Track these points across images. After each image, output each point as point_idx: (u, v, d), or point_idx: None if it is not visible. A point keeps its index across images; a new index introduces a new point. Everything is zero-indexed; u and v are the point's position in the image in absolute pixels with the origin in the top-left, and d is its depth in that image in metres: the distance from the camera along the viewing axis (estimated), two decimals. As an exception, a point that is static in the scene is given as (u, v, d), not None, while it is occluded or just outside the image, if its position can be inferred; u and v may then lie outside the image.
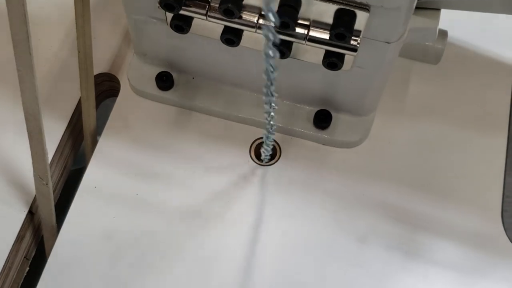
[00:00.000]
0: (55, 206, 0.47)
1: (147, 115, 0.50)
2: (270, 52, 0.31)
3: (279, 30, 0.38)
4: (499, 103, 0.51)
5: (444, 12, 0.42)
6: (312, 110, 0.48)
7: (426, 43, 0.51)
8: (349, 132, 0.48)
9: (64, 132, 0.49)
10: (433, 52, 0.51)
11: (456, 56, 0.53)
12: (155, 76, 0.49)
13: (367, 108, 0.48)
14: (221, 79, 0.49)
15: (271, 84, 0.34)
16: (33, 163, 0.41)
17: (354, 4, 0.36)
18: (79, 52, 0.43)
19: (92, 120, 0.48)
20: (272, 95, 0.35)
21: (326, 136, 0.48)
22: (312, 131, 0.48)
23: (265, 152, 0.45)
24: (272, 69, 0.33)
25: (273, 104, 0.37)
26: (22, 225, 0.46)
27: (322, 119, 0.48)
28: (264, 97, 0.36)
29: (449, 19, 0.48)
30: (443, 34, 0.51)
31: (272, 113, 0.38)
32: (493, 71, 0.53)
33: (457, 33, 0.53)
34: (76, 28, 0.43)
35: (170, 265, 0.44)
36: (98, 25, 0.53)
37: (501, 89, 0.52)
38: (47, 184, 0.42)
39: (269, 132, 0.41)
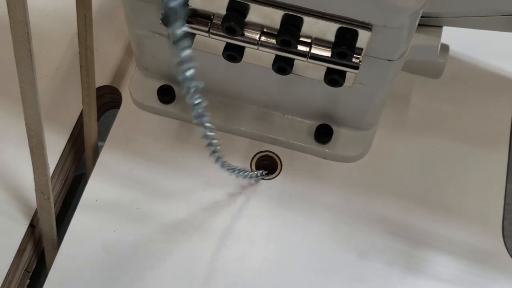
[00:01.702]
0: (56, 218, 0.48)
1: (148, 128, 0.50)
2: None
3: (281, 48, 0.38)
4: (500, 118, 0.51)
5: (446, 27, 0.42)
6: (313, 124, 0.48)
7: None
8: (350, 146, 0.48)
9: (66, 145, 0.49)
10: (434, 66, 0.51)
11: (457, 71, 0.53)
12: (156, 89, 0.49)
13: (368, 123, 0.48)
14: (223, 93, 0.49)
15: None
16: (34, 177, 0.41)
17: (356, 23, 0.36)
18: (81, 66, 0.44)
19: (93, 133, 0.48)
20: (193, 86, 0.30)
21: (327, 150, 0.48)
22: (313, 145, 0.48)
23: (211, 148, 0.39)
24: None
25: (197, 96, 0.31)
26: (23, 238, 0.46)
27: (323, 134, 0.48)
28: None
29: (451, 34, 0.48)
30: (445, 48, 0.51)
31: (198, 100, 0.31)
32: (495, 85, 0.53)
33: (458, 47, 0.53)
34: (79, 41, 0.43)
35: (170, 279, 0.44)
36: (100, 37, 0.53)
37: (502, 103, 0.52)
38: (48, 198, 0.42)
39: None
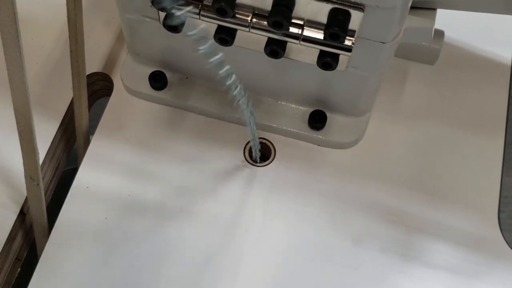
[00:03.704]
0: (48, 206, 0.47)
1: (140, 115, 0.49)
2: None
3: (272, 30, 0.38)
4: (496, 104, 0.51)
5: (440, 12, 0.41)
6: (307, 110, 0.48)
7: (423, 43, 0.50)
8: (344, 132, 0.47)
9: (56, 132, 0.49)
10: (429, 52, 0.51)
11: (453, 57, 0.52)
12: (148, 75, 0.48)
13: (362, 109, 0.47)
14: (215, 79, 0.48)
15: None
16: (23, 163, 0.40)
17: (349, 4, 0.35)
18: (71, 51, 0.43)
19: (84, 120, 0.48)
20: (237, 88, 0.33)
21: (321, 136, 0.48)
22: (307, 131, 0.48)
23: (255, 149, 0.44)
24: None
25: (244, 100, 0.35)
26: (13, 225, 0.45)
27: (317, 120, 0.47)
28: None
29: (446, 19, 0.48)
30: (440, 34, 0.50)
31: (247, 106, 0.36)
32: (490, 71, 0.52)
33: (454, 33, 0.53)
34: (68, 25, 0.42)
35: (162, 266, 0.44)
36: (91, 24, 0.53)
37: (498, 89, 0.52)
38: (38, 184, 0.41)
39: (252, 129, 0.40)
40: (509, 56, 0.53)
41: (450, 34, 0.52)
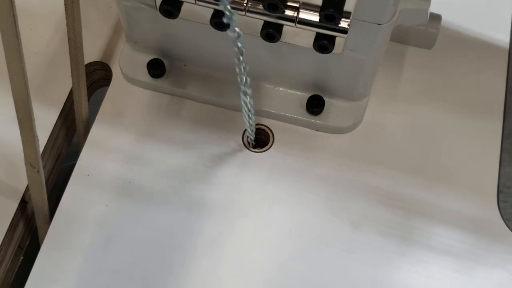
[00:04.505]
0: (50, 194, 0.47)
1: (139, 103, 0.49)
2: (230, 33, 0.31)
3: (267, 13, 0.38)
4: (494, 88, 0.51)
5: (437, -4, 0.41)
6: (305, 96, 0.48)
7: (420, 27, 0.50)
8: (342, 117, 0.48)
9: (57, 120, 0.49)
10: (427, 36, 0.51)
11: (450, 41, 0.52)
12: (146, 63, 0.49)
13: (360, 93, 0.47)
14: (213, 66, 0.48)
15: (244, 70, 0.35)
16: (24, 150, 0.40)
17: (343, -15, 0.35)
18: (69, 38, 0.43)
19: (84, 108, 0.48)
20: (247, 81, 0.35)
21: (319, 121, 0.48)
22: (305, 117, 0.48)
23: (250, 136, 0.46)
24: (241, 53, 0.33)
25: (248, 91, 0.37)
26: (15, 214, 0.46)
27: (315, 105, 0.47)
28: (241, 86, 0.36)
29: (443, 3, 0.48)
30: (437, 18, 0.50)
31: (248, 99, 0.38)
32: (488, 55, 0.52)
33: (451, 17, 0.53)
34: (66, 14, 0.42)
35: (162, 253, 0.44)
36: (89, 13, 0.53)
37: (496, 73, 0.52)
38: (38, 171, 0.41)
39: (249, 117, 0.41)
40: (506, 39, 0.53)
41: (448, 18, 0.52)
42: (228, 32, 0.32)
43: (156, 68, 0.48)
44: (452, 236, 0.45)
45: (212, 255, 0.44)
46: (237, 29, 0.32)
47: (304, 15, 0.38)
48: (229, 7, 0.30)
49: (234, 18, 0.31)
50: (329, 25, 0.38)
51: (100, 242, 0.44)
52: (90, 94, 0.54)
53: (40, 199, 0.44)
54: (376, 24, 0.38)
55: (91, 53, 0.51)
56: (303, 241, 0.45)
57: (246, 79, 0.36)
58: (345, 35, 0.38)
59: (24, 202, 0.47)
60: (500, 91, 0.51)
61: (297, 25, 0.38)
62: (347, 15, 0.37)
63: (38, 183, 0.43)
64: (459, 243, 0.45)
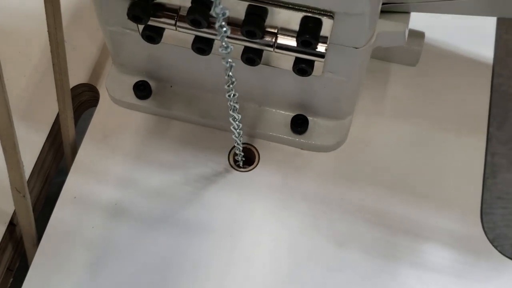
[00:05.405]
0: (39, 217, 0.48)
1: (126, 124, 0.50)
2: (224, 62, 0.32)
3: (246, 39, 0.39)
4: (478, 104, 0.51)
5: (421, 14, 0.42)
6: (289, 115, 0.48)
7: (403, 45, 0.51)
8: (326, 136, 0.48)
9: (44, 143, 0.49)
10: (410, 53, 0.51)
11: (434, 57, 0.53)
12: (132, 85, 0.49)
13: (343, 112, 0.48)
14: (198, 87, 0.49)
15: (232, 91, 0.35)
16: (9, 175, 0.41)
17: (319, 12, 0.36)
18: (53, 64, 0.44)
19: (70, 131, 0.48)
20: (236, 104, 0.36)
21: (303, 140, 0.48)
22: (290, 136, 0.48)
23: (239, 155, 0.46)
24: (232, 79, 0.33)
25: (236, 113, 0.38)
26: (3, 236, 0.46)
27: (299, 124, 0.48)
28: (230, 105, 0.37)
29: (426, 21, 0.48)
30: (420, 35, 0.51)
31: (237, 121, 0.39)
32: (472, 71, 0.53)
33: (435, 34, 0.53)
34: (49, 40, 0.43)
35: (149, 273, 0.45)
36: (77, 36, 0.54)
37: (480, 89, 0.52)
38: (24, 196, 0.42)
39: (237, 137, 0.42)
40: (490, 55, 0.53)
41: (431, 35, 0.53)
42: (222, 62, 0.33)
43: (142, 90, 0.49)
44: (437, 253, 0.46)
45: (200, 275, 0.44)
46: (230, 60, 0.33)
47: (282, 40, 0.38)
48: (226, 40, 0.31)
49: (229, 50, 0.32)
50: (306, 50, 0.38)
51: (87, 264, 0.45)
52: (78, 115, 0.54)
53: (27, 223, 0.45)
54: (353, 47, 0.39)
55: (79, 75, 0.52)
56: (288, 259, 0.45)
57: (234, 107, 0.37)
58: (322, 59, 0.39)
59: (12, 225, 0.47)
60: (484, 107, 0.51)
61: (276, 49, 0.39)
62: (324, 39, 0.38)
63: (25, 207, 0.43)
64: (444, 259, 0.46)
